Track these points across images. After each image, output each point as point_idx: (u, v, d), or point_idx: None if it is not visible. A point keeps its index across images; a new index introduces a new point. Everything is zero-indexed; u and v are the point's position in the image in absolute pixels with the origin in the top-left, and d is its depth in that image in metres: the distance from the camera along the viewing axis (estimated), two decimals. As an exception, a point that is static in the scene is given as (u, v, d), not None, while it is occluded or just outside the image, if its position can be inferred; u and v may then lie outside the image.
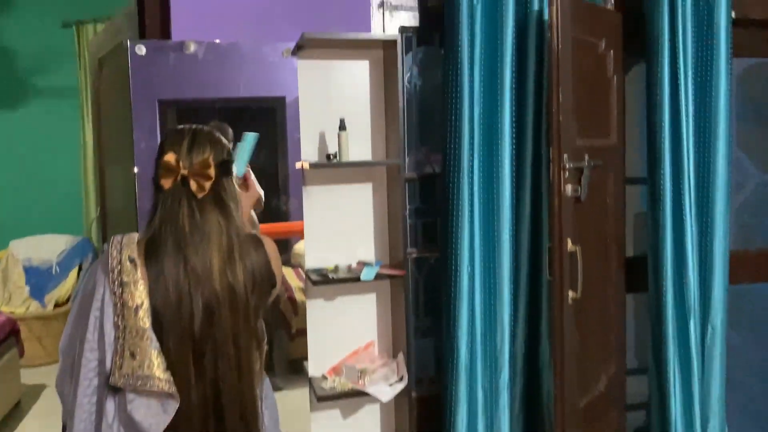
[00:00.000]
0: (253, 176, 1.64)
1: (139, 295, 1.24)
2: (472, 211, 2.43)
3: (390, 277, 2.37)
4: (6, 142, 5.01)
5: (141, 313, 1.24)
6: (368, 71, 2.49)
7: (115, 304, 1.24)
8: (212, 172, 1.29)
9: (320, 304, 2.49)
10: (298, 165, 2.35)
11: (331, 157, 2.33)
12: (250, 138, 1.61)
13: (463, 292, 2.39)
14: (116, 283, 1.25)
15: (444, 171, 2.44)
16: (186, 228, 1.26)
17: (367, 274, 2.31)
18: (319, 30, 2.25)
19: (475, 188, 2.44)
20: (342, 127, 2.32)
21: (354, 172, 2.49)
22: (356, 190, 2.51)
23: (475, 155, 2.43)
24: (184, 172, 1.28)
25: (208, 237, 1.27)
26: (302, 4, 2.39)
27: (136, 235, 1.31)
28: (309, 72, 2.39)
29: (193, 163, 1.29)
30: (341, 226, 2.49)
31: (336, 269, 2.42)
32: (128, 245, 1.28)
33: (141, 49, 2.18)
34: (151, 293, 1.24)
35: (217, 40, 2.29)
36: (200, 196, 1.27)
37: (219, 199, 1.31)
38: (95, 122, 3.40)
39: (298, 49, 2.34)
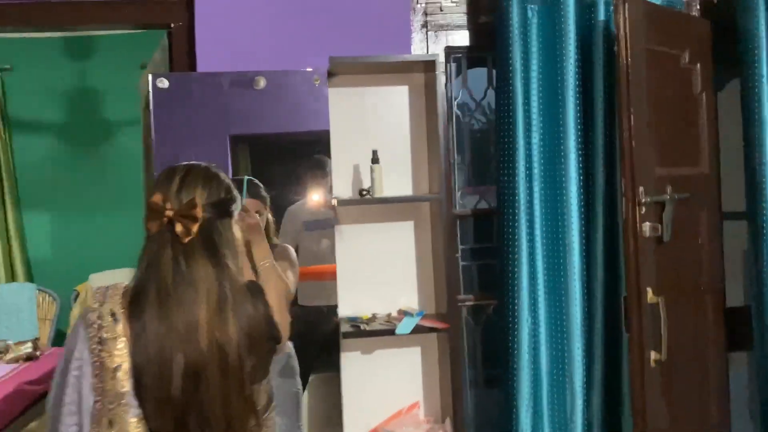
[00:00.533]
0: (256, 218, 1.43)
1: (119, 354, 1.12)
2: (532, 253, 2.09)
3: (432, 330, 2.05)
4: (89, 179, 5.17)
5: (120, 374, 1.11)
6: (407, 97, 2.23)
7: (93, 363, 1.13)
8: (199, 212, 1.15)
9: (356, 357, 2.21)
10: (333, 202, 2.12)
11: (364, 192, 2.08)
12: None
13: (523, 349, 2.04)
14: (95, 339, 1.13)
15: (499, 207, 2.13)
16: (169, 278, 1.13)
17: (403, 327, 2.02)
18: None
19: (536, 226, 2.11)
20: (375, 159, 2.07)
21: (393, 209, 2.22)
22: (396, 228, 2.24)
23: (535, 188, 2.10)
24: (169, 213, 1.15)
25: (195, 288, 1.13)
26: (335, 29, 2.19)
27: (123, 285, 1.20)
28: (341, 100, 2.18)
29: (181, 203, 1.17)
30: (380, 270, 2.22)
31: (373, 319, 2.14)
32: (112, 297, 1.16)
33: (163, 82, 2.05)
34: (133, 352, 1.12)
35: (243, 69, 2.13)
36: (186, 240, 1.14)
37: (210, 244, 1.17)
38: (146, 157, 3.37)
39: (331, 76, 2.13)
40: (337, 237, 2.18)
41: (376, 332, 2.03)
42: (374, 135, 2.19)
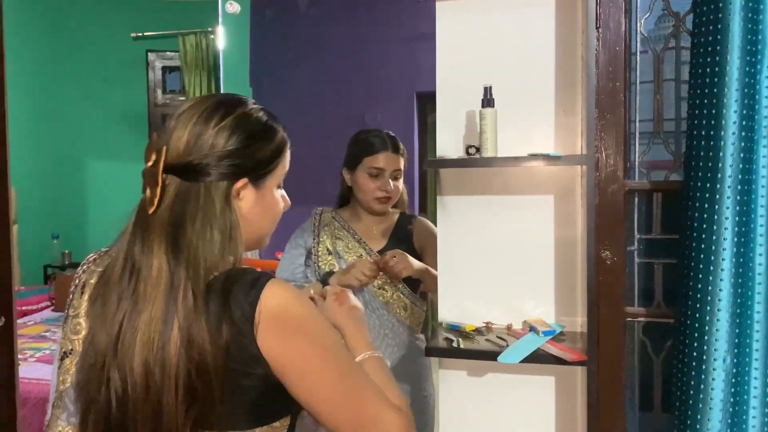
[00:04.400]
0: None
1: (75, 337, 0.90)
2: (740, 251, 1.25)
3: (560, 361, 1.35)
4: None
5: (66, 363, 0.91)
6: (554, 15, 1.50)
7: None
8: (158, 171, 0.84)
9: (460, 379, 1.60)
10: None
11: (472, 150, 1.43)
12: None
13: (709, 397, 1.24)
14: (67, 313, 0.93)
15: (689, 181, 1.32)
16: (118, 262, 0.86)
17: (513, 352, 1.35)
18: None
19: (758, 212, 1.26)
20: (487, 101, 1.41)
21: (523, 176, 1.54)
22: (528, 204, 1.54)
23: (759, 155, 1.24)
24: (147, 165, 0.87)
25: (143, 284, 0.83)
26: None
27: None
28: (451, 17, 1.54)
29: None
30: (501, 263, 1.57)
31: (482, 330, 1.51)
32: (101, 265, 0.92)
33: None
34: (84, 344, 0.87)
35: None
36: (150, 211, 0.84)
37: (176, 224, 0.84)
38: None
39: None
40: (439, 211, 1.59)
41: (470, 353, 1.40)
42: (499, 67, 1.53)
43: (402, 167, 1.80)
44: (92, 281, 0.90)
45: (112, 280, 0.85)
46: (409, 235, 1.84)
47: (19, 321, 3.24)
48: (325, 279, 1.69)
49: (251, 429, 0.84)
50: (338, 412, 0.83)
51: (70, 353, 0.90)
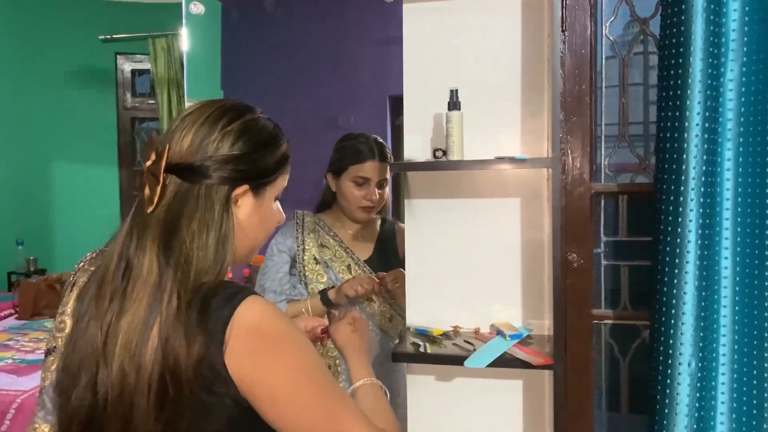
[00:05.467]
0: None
1: (58, 334, 0.91)
2: (705, 254, 1.26)
3: (526, 365, 1.35)
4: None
5: (49, 361, 0.92)
6: (520, 18, 1.50)
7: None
8: (160, 171, 0.83)
9: (428, 384, 1.59)
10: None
11: (439, 153, 1.42)
12: None
13: (675, 402, 1.24)
14: (59, 308, 0.94)
15: (656, 181, 1.33)
16: (113, 259, 0.85)
17: (479, 357, 1.34)
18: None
19: (723, 215, 1.27)
20: (453, 104, 1.40)
21: (491, 179, 1.53)
22: (494, 208, 1.54)
23: (723, 158, 1.26)
24: (147, 164, 0.86)
25: (133, 283, 0.82)
26: None
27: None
28: (419, 19, 1.53)
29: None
30: (469, 266, 1.56)
31: (449, 335, 1.50)
32: (95, 264, 0.92)
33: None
34: (66, 342, 0.87)
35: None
36: (149, 210, 0.83)
37: (171, 223, 0.83)
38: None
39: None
40: (407, 214, 1.58)
41: (438, 357, 1.39)
42: (466, 69, 1.52)
43: (388, 175, 1.76)
44: (83, 279, 0.90)
45: (106, 279, 0.84)
46: (393, 243, 1.82)
47: (-20, 329, 3.14)
48: (325, 297, 1.66)
49: None
50: None
51: (53, 350, 0.91)
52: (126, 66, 4.49)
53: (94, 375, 0.80)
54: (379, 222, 1.86)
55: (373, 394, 0.96)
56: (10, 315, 3.67)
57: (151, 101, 4.41)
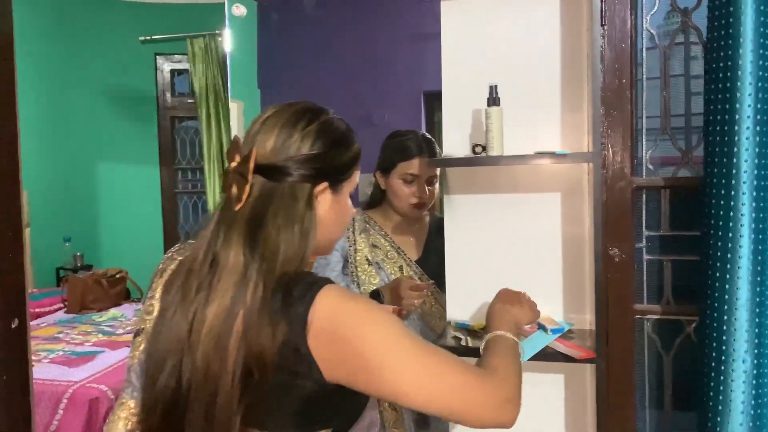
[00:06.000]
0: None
1: (148, 316, 0.96)
2: (759, 249, 1.24)
3: (568, 359, 1.35)
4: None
5: (138, 340, 0.98)
6: (559, 12, 1.50)
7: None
8: (249, 170, 0.88)
9: (470, 378, 1.60)
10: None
11: (478, 149, 1.44)
12: None
13: (728, 399, 1.23)
14: (148, 293, 1.01)
15: (706, 177, 1.31)
16: (201, 254, 0.90)
17: (521, 351, 1.34)
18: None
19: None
20: (492, 100, 1.41)
21: (529, 174, 1.54)
22: (533, 202, 1.54)
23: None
24: (233, 165, 0.91)
25: (219, 276, 0.87)
26: None
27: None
28: (456, 15, 1.54)
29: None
30: (510, 261, 1.57)
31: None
32: (182, 254, 0.98)
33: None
34: (154, 326, 0.93)
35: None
36: (237, 208, 0.88)
37: (256, 220, 0.88)
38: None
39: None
40: (446, 210, 1.59)
41: (478, 351, 1.39)
42: (504, 65, 1.53)
43: (437, 172, 1.74)
44: (171, 267, 0.96)
45: (192, 271, 0.89)
46: (443, 240, 1.83)
47: (32, 323, 3.27)
48: (378, 299, 1.64)
49: None
50: (430, 395, 0.84)
51: (141, 332, 0.97)
52: (165, 66, 4.60)
53: (179, 362, 0.85)
54: (428, 219, 1.85)
55: (496, 343, 1.09)
56: (60, 309, 3.82)
57: (190, 100, 4.51)
